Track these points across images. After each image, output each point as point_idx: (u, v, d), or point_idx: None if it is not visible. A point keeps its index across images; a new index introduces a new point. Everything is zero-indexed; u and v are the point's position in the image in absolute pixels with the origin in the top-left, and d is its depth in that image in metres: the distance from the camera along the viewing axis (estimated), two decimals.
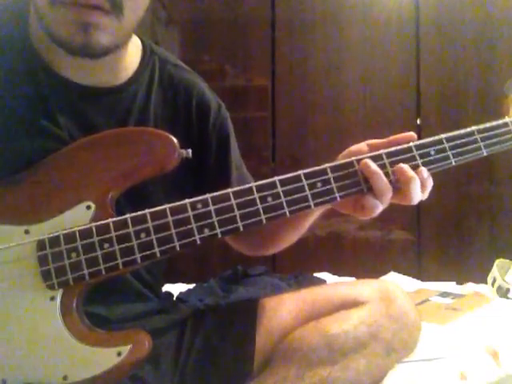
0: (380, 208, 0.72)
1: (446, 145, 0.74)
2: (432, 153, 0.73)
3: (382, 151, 0.72)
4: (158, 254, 0.66)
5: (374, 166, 0.70)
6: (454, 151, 0.74)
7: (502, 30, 1.94)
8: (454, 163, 0.73)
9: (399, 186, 0.71)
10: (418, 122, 1.96)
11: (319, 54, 1.99)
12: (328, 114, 1.99)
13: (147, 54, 0.85)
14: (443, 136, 0.74)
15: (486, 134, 0.76)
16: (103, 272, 0.66)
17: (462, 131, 0.75)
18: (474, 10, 1.95)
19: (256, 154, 1.97)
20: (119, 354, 0.65)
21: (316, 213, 0.81)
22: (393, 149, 0.73)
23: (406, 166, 0.71)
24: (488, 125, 0.77)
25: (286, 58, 1.98)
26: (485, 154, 0.75)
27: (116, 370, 0.65)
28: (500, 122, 0.78)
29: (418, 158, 0.73)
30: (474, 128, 0.76)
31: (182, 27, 1.98)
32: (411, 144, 0.73)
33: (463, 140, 0.74)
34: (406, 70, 1.98)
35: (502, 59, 1.92)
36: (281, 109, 1.98)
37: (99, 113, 0.78)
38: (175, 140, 0.71)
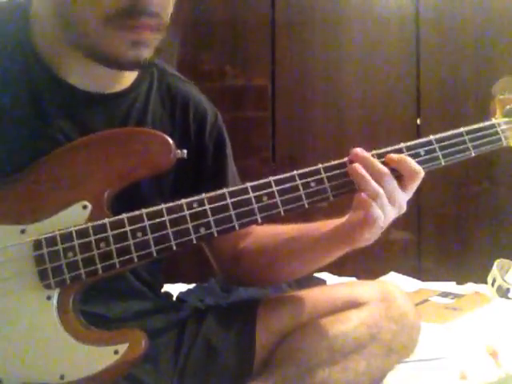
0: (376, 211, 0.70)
1: (436, 145, 0.76)
2: (422, 153, 0.75)
3: (373, 152, 0.73)
4: (155, 254, 0.67)
5: (360, 169, 0.71)
6: (443, 152, 0.76)
7: (502, 29, 1.94)
8: (443, 163, 0.76)
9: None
10: (418, 122, 1.96)
11: (319, 54, 1.98)
12: (328, 114, 1.99)
13: None
14: (432, 137, 0.76)
15: (474, 135, 0.78)
16: (100, 271, 0.66)
17: (451, 132, 0.77)
18: (474, 9, 1.95)
19: (256, 154, 1.96)
20: (116, 352, 0.65)
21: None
22: (383, 150, 0.74)
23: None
24: (476, 126, 0.79)
25: (285, 57, 1.98)
26: (473, 154, 0.78)
27: (113, 369, 0.65)
28: (487, 123, 0.80)
29: None
30: (462, 129, 0.78)
31: (182, 27, 1.98)
32: (402, 145, 0.75)
33: (452, 141, 0.77)
34: (406, 70, 1.98)
35: (502, 59, 1.92)
36: (281, 109, 1.98)
37: (97, 118, 0.78)
38: (171, 140, 0.72)
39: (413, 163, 0.72)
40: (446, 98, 1.96)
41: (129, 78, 0.82)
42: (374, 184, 0.70)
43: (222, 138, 0.91)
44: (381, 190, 0.70)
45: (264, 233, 0.89)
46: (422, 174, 0.73)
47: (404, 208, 0.73)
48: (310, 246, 0.80)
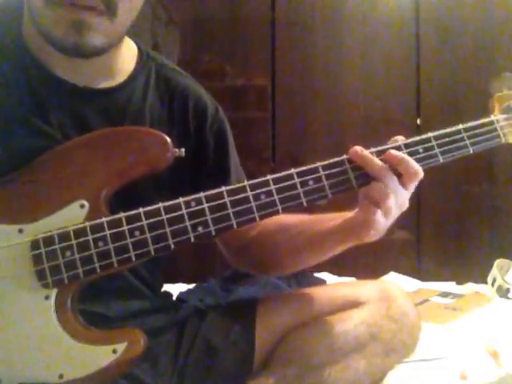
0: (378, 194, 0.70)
1: (434, 143, 0.76)
2: (420, 151, 0.75)
3: (371, 149, 0.73)
4: (153, 252, 0.66)
5: (366, 152, 0.72)
6: (441, 149, 0.76)
7: (502, 29, 1.94)
8: (441, 160, 0.75)
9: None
10: (418, 122, 1.96)
11: (319, 53, 1.98)
12: (328, 114, 1.99)
13: (143, 58, 0.85)
14: (431, 134, 0.76)
15: (472, 132, 0.78)
16: (98, 270, 0.66)
17: (449, 129, 0.77)
18: (474, 10, 1.95)
19: (256, 154, 1.96)
20: (114, 351, 0.65)
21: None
22: (382, 147, 0.74)
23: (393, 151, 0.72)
24: (474, 123, 0.79)
25: (286, 57, 1.98)
26: (471, 151, 0.78)
27: (112, 368, 0.65)
28: (486, 120, 0.80)
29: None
30: (460, 126, 0.78)
31: (181, 27, 1.98)
32: (400, 142, 0.75)
33: (450, 138, 0.76)
34: (406, 70, 1.98)
35: (502, 59, 1.91)
36: (281, 109, 1.98)
37: (94, 113, 0.78)
38: (168, 139, 0.71)
39: (412, 163, 0.72)
40: (445, 98, 1.96)
41: (124, 72, 0.82)
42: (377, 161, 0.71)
43: (223, 131, 0.91)
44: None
45: (272, 222, 0.89)
46: (422, 174, 0.72)
47: (406, 205, 0.74)
48: (315, 238, 0.80)
